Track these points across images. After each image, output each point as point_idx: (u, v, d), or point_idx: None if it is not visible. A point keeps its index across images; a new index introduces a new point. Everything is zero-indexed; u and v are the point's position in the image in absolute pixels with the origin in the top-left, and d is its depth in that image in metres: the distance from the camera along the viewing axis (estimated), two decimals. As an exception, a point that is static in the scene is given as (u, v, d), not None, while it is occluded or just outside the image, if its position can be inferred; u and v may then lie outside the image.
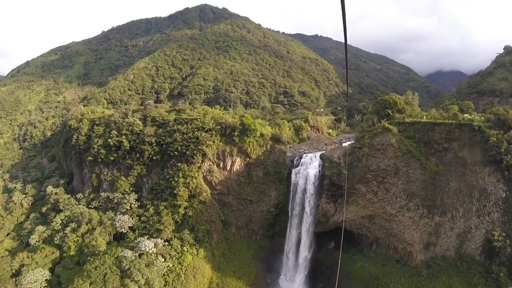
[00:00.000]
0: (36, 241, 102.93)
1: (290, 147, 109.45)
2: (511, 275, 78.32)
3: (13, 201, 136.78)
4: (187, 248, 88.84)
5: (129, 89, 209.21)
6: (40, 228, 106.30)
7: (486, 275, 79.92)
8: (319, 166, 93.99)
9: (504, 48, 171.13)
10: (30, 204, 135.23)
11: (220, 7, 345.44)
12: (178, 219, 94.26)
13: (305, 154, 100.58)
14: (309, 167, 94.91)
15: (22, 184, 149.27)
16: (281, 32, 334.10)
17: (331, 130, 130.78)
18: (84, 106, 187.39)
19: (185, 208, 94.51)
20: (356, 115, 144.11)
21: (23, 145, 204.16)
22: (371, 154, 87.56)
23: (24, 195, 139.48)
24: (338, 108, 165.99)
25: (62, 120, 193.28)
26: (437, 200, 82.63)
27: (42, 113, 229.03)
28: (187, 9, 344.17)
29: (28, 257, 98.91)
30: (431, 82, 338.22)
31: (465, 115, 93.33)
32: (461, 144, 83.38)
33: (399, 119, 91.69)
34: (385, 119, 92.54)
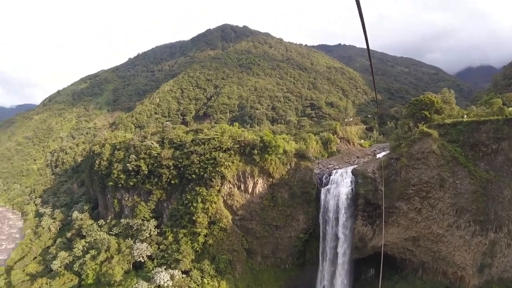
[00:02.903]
0: (58, 266, 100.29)
1: (318, 162, 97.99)
2: None
3: (42, 225, 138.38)
4: (207, 280, 79.27)
5: (155, 113, 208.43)
6: (63, 254, 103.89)
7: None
8: (351, 183, 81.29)
9: None
10: (58, 229, 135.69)
11: (241, 25, 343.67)
12: (198, 248, 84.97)
13: (335, 170, 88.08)
14: (340, 185, 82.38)
15: (51, 209, 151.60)
16: (303, 44, 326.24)
17: (362, 140, 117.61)
18: (112, 131, 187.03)
19: (205, 236, 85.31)
20: (388, 122, 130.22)
21: (55, 170, 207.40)
22: (410, 165, 73.93)
23: (52, 220, 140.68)
24: (369, 116, 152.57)
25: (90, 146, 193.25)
26: (490, 213, 68.35)
27: (73, 139, 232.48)
28: (208, 30, 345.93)
29: (46, 284, 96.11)
30: (462, 80, 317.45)
31: (510, 108, 77.47)
32: None
33: (438, 120, 77.97)
34: (422, 122, 79.22)
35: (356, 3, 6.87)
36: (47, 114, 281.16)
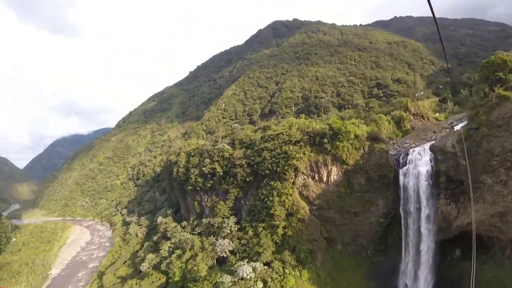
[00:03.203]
0: (147, 268, 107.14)
1: (392, 143, 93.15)
2: None
3: (129, 232, 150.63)
4: (289, 271, 79.50)
5: (223, 117, 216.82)
6: (150, 256, 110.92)
7: None
8: (430, 160, 75.70)
9: None
10: (144, 234, 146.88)
11: (291, 19, 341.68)
12: (277, 240, 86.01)
13: (411, 149, 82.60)
14: (419, 164, 77.07)
15: (137, 217, 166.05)
16: (358, 25, 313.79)
17: (437, 114, 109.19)
18: (185, 140, 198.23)
19: (283, 228, 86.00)
20: (462, 90, 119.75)
21: (137, 183, 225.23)
22: (491, 134, 66.32)
23: (139, 227, 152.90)
24: (440, 86, 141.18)
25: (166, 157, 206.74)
26: None
27: (151, 152, 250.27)
28: (260, 30, 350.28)
29: (136, 284, 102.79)
30: None
31: None
32: None
33: None
34: (498, 85, 71.30)
35: None
36: (123, 134, 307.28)
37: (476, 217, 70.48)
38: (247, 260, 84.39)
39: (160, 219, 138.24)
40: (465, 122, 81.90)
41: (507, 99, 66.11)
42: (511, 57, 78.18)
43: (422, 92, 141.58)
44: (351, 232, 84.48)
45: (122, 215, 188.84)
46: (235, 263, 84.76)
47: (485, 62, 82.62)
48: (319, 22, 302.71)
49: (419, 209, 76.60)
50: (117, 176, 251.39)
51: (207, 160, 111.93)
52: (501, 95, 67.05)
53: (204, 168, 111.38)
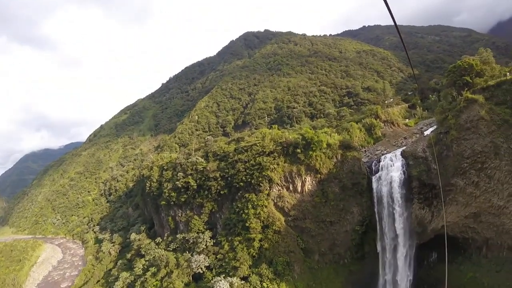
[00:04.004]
0: (120, 287, 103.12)
1: (364, 150, 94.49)
2: None
3: (102, 250, 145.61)
4: (266, 284, 78.33)
5: (196, 130, 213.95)
6: (124, 274, 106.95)
7: None
8: (402, 166, 76.93)
9: None
10: (117, 251, 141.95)
11: (262, 30, 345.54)
12: (254, 253, 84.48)
13: (383, 156, 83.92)
14: (391, 170, 78.32)
15: (110, 234, 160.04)
16: (328, 35, 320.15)
17: (407, 119, 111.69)
18: (158, 154, 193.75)
19: (260, 240, 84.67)
20: (430, 95, 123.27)
21: (109, 198, 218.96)
22: (461, 137, 68.07)
23: (112, 244, 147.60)
24: (409, 93, 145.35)
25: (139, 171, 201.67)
26: None
27: (123, 167, 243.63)
28: (232, 42, 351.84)
29: None
30: (496, 36, 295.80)
31: None
32: None
33: (481, 84, 72.16)
34: (466, 88, 73.66)
35: None
36: (95, 148, 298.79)
37: (450, 219, 71.84)
38: (224, 275, 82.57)
39: (133, 235, 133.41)
40: (435, 127, 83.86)
41: (474, 102, 67.76)
42: (477, 61, 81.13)
43: (391, 99, 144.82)
44: (328, 242, 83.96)
45: (95, 232, 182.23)
46: (212, 279, 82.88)
47: (452, 67, 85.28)
48: (290, 33, 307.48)
49: (393, 215, 77.29)
50: (88, 192, 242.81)
51: (181, 174, 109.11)
52: (469, 98, 68.69)
53: (177, 182, 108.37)
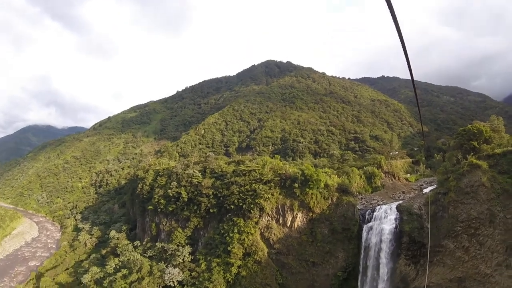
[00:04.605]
0: (88, 280, 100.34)
1: (361, 198, 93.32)
2: None
3: (78, 239, 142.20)
4: (237, 314, 75.26)
5: (199, 143, 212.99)
6: (94, 269, 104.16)
7: None
8: (395, 220, 75.88)
9: None
10: (93, 245, 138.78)
11: (284, 61, 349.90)
12: (230, 279, 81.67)
13: (378, 206, 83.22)
14: (384, 222, 77.28)
15: (90, 226, 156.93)
16: (346, 78, 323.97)
17: (408, 174, 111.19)
18: (157, 158, 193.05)
19: (238, 267, 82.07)
20: (436, 155, 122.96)
21: (98, 190, 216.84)
22: (459, 200, 67.40)
23: (90, 236, 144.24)
24: (415, 148, 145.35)
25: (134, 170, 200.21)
26: None
27: (120, 163, 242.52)
28: (253, 66, 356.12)
29: None
30: (510, 105, 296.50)
31: None
32: None
33: (487, 151, 72.00)
34: (471, 153, 73.46)
35: (398, 34, 6.67)
36: (97, 137, 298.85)
37: (434, 280, 69.94)
38: None
39: (113, 233, 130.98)
40: (435, 186, 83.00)
41: (478, 167, 67.23)
42: (487, 127, 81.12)
43: (397, 152, 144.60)
44: (307, 282, 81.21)
45: (76, 219, 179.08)
46: None
47: (462, 130, 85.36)
48: (310, 69, 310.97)
49: (378, 267, 75.39)
50: (80, 178, 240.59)
51: (174, 183, 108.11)
52: (473, 163, 68.25)
53: (169, 191, 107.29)
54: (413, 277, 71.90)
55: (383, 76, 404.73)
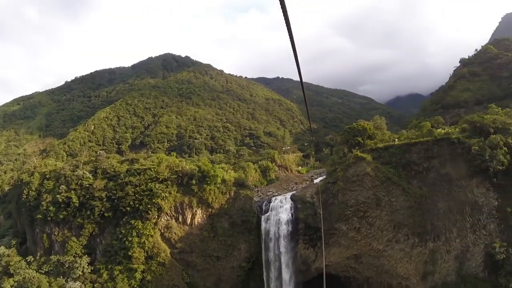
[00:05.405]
0: None
1: (257, 190, 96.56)
2: (521, 283, 67.74)
3: None
4: (147, 320, 71.07)
5: (89, 141, 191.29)
6: None
7: (495, 290, 68.92)
8: (291, 208, 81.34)
9: (460, 61, 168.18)
10: None
11: (183, 55, 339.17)
12: (135, 285, 76.65)
13: (274, 197, 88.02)
14: (280, 211, 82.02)
15: None
16: (243, 76, 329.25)
17: (300, 167, 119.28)
18: (43, 159, 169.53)
19: (142, 272, 77.53)
20: (324, 149, 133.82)
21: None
22: (347, 188, 76.02)
23: None
24: (305, 144, 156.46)
25: (18, 174, 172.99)
26: (427, 225, 71.79)
27: (2, 165, 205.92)
28: (150, 58, 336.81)
29: None
30: (392, 108, 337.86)
31: (438, 130, 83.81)
32: (442, 160, 74.26)
33: (371, 145, 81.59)
34: (356, 147, 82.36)
35: (290, 40, 6.90)
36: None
37: (333, 259, 76.68)
38: None
39: (2, 249, 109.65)
40: (324, 177, 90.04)
41: (363, 159, 75.75)
42: (371, 125, 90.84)
43: (289, 147, 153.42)
44: (214, 277, 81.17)
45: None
46: None
47: (348, 127, 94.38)
48: (208, 66, 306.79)
49: (279, 253, 79.45)
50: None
51: (63, 187, 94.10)
52: (358, 156, 76.79)
53: (58, 196, 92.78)
54: (313, 259, 77.68)
55: (278, 77, 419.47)
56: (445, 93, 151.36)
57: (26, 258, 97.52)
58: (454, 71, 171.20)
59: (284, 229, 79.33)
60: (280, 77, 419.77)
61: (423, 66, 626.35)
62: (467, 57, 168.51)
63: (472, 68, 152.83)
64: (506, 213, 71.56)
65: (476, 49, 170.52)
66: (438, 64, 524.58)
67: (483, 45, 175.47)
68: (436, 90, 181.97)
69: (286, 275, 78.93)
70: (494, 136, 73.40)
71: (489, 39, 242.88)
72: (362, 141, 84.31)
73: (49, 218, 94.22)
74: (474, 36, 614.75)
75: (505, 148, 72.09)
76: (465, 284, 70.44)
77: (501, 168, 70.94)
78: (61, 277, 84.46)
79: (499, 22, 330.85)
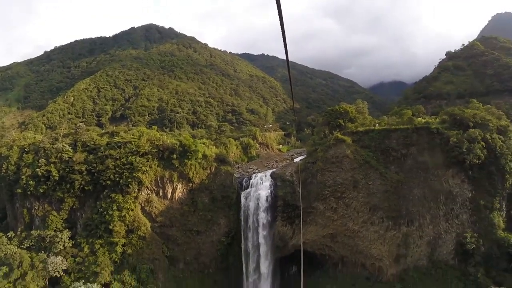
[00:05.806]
0: None
1: (238, 167, 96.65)
2: (489, 274, 71.43)
3: None
4: (129, 292, 71.33)
5: (68, 113, 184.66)
6: None
7: (464, 278, 72.52)
8: (270, 186, 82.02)
9: (446, 54, 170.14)
10: None
11: (167, 27, 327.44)
12: (116, 259, 76.09)
13: (254, 174, 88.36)
14: (260, 188, 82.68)
15: None
16: (228, 51, 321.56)
17: (281, 146, 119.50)
18: (21, 131, 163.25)
19: (123, 245, 76.90)
20: (305, 129, 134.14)
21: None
22: (326, 168, 76.98)
23: None
24: (287, 123, 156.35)
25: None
26: (402, 210, 74.30)
27: None
28: (132, 28, 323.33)
29: None
30: (375, 93, 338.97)
31: (419, 119, 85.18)
32: (420, 148, 76.19)
33: (352, 128, 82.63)
34: (337, 129, 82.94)
35: (279, 17, 6.84)
36: None
37: (309, 237, 78.14)
38: (83, 281, 72.19)
39: None
40: (304, 156, 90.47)
41: (343, 141, 76.61)
42: (352, 109, 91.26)
43: (271, 125, 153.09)
44: (193, 251, 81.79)
45: None
46: (70, 285, 72.14)
47: (330, 109, 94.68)
48: (192, 39, 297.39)
49: (257, 229, 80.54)
50: None
51: (43, 160, 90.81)
52: (339, 138, 77.63)
53: (38, 169, 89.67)
54: (290, 236, 79.05)
55: (263, 54, 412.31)
56: (428, 84, 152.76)
57: (7, 234, 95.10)
58: (439, 63, 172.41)
59: (263, 205, 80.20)
60: (266, 54, 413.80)
61: (408, 55, 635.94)
62: (453, 51, 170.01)
63: (457, 62, 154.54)
64: (479, 205, 74.99)
65: (463, 44, 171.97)
66: (423, 55, 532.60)
67: (470, 41, 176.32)
68: (419, 80, 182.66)
69: (263, 250, 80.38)
70: (473, 130, 75.44)
71: (476, 37, 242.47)
72: (343, 124, 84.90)
73: (29, 193, 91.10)
74: (461, 32, 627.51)
75: (483, 143, 74.35)
76: (435, 269, 73.99)
77: (477, 161, 73.38)
78: (43, 252, 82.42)
79: (489, 21, 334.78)
